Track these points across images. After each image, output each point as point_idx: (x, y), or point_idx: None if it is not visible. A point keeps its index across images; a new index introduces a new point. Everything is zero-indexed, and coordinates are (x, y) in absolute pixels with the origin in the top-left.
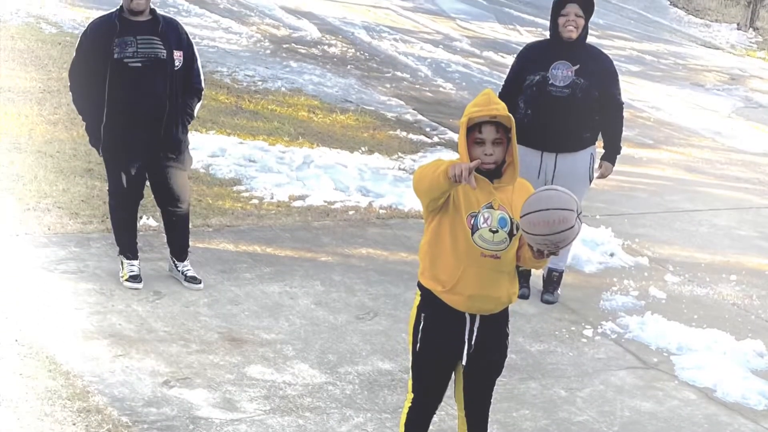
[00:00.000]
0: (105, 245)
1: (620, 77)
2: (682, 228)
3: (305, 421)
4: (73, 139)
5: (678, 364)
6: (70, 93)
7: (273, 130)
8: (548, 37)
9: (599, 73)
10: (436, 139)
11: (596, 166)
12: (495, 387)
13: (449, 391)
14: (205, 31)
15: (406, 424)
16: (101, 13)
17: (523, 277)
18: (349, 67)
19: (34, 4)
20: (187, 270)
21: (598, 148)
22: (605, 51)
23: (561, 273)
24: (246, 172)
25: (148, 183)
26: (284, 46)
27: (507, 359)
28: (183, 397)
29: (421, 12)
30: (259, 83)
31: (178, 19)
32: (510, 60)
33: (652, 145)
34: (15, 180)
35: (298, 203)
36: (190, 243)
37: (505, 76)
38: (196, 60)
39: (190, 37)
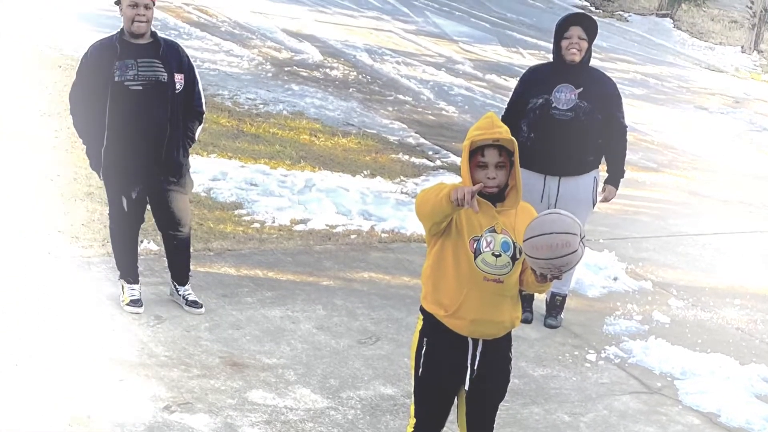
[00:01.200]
0: (106, 269)
1: (624, 100)
2: (685, 252)
3: None
4: (73, 162)
5: (682, 389)
6: (71, 116)
7: (274, 154)
8: (551, 59)
9: (603, 96)
10: (438, 162)
11: (599, 189)
12: (498, 412)
13: (452, 416)
14: (207, 53)
15: None
16: (102, 35)
17: (526, 301)
18: (351, 90)
19: (35, 27)
20: (188, 294)
21: (602, 172)
22: (608, 74)
23: (564, 297)
24: (247, 196)
25: (149, 206)
26: (286, 69)
27: (510, 384)
28: (184, 422)
29: (423, 35)
30: (261, 106)
31: (179, 41)
32: (513, 83)
33: (656, 169)
34: (15, 203)
35: (299, 227)
36: (192, 267)
37: (508, 99)
38: (198, 83)
39: (191, 60)
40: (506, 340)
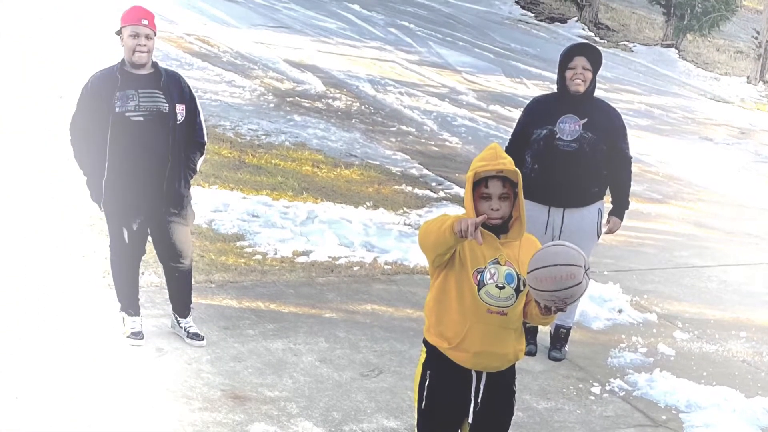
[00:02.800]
0: (106, 302)
1: (628, 131)
2: (691, 284)
3: None
4: (74, 193)
5: (687, 422)
6: (71, 147)
7: (277, 185)
8: (555, 90)
9: (607, 127)
10: (441, 193)
11: (604, 221)
12: None
13: None
14: (208, 84)
15: None
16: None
17: (530, 333)
18: (353, 120)
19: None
20: (190, 326)
21: (606, 203)
22: (613, 104)
23: (568, 329)
24: (249, 228)
25: (150, 238)
26: (288, 99)
27: (514, 417)
28: None
29: (426, 65)
30: (263, 137)
31: (181, 72)
32: (517, 114)
33: (661, 200)
34: (15, 235)
35: (302, 259)
36: (193, 299)
37: (511, 130)
38: (199, 114)
39: (193, 91)
40: (510, 372)
